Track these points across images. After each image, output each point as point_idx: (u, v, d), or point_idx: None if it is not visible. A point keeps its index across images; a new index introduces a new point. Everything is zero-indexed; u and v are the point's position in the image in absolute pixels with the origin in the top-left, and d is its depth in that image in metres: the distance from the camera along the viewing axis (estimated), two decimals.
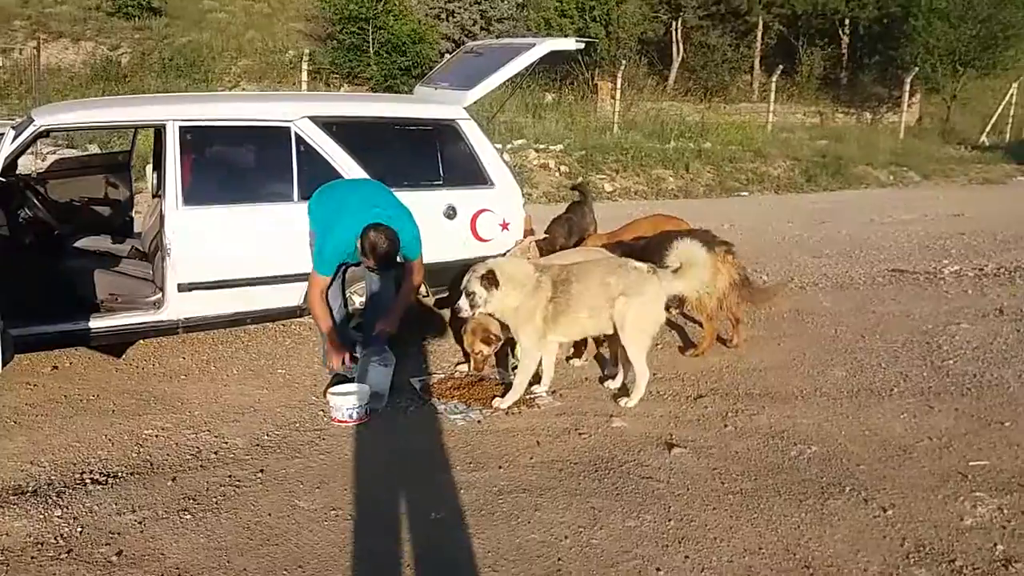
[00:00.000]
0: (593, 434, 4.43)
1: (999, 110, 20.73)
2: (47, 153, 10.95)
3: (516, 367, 4.91)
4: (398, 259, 4.69)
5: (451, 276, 5.19)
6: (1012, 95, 20.67)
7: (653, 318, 4.74)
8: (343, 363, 4.73)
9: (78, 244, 5.75)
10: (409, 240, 4.70)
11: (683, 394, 5.02)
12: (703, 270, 4.82)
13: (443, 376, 5.17)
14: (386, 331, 4.83)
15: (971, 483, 3.91)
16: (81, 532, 3.41)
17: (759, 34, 22.30)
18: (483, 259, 5.43)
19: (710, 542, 3.41)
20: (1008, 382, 5.14)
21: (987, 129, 20.51)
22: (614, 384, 5.05)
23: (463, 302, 4.61)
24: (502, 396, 4.76)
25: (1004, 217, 11.34)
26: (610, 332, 4.84)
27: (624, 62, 18.06)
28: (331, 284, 4.82)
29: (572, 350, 5.53)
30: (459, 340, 5.34)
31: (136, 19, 19.29)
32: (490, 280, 4.56)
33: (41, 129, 4.69)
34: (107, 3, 19.40)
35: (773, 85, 18.81)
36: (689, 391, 5.06)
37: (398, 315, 4.87)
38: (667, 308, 6.17)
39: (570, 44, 5.91)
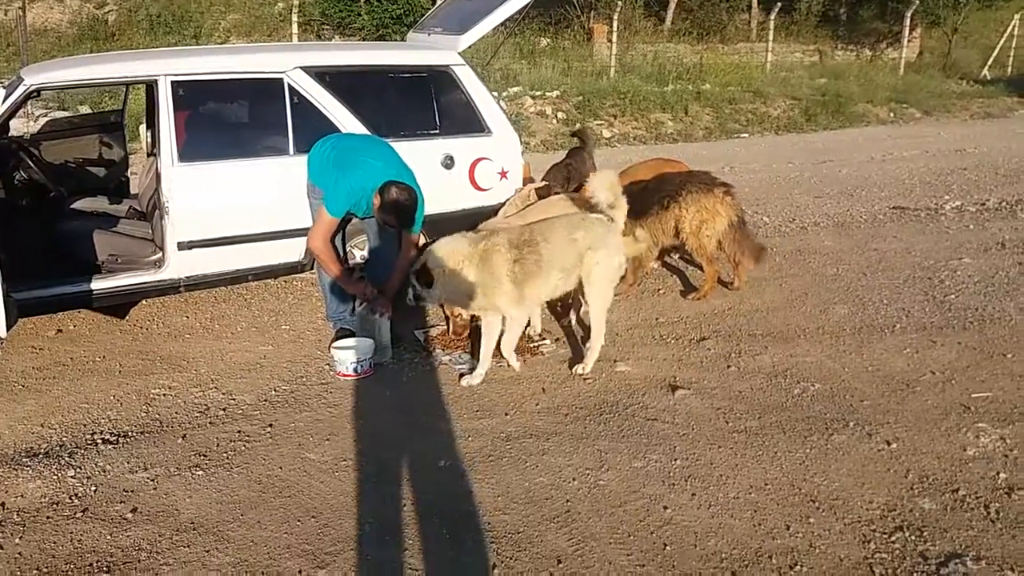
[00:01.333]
0: (597, 379, 4.45)
1: (1001, 43, 20.42)
2: (38, 115, 10.86)
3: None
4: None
5: (450, 227, 5.16)
6: (1014, 27, 20.33)
7: (616, 269, 4.56)
8: (364, 294, 4.72)
9: (75, 206, 5.71)
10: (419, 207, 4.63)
11: (686, 337, 5.03)
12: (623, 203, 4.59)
13: (446, 327, 5.18)
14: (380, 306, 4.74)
15: (973, 415, 3.95)
16: (95, 491, 3.45)
17: None
18: (478, 211, 5.42)
19: (716, 480, 3.46)
20: (1010, 314, 5.15)
21: (989, 63, 20.22)
22: (547, 349, 4.84)
23: (408, 292, 4.42)
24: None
25: (1006, 151, 11.26)
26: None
27: (620, 4, 17.71)
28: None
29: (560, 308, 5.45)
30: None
31: None
32: (421, 275, 4.29)
33: (32, 88, 4.61)
34: None
35: (771, 24, 18.50)
36: (692, 334, 5.07)
37: (392, 292, 4.75)
38: (668, 252, 6.21)
39: None
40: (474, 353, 4.74)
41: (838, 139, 13.21)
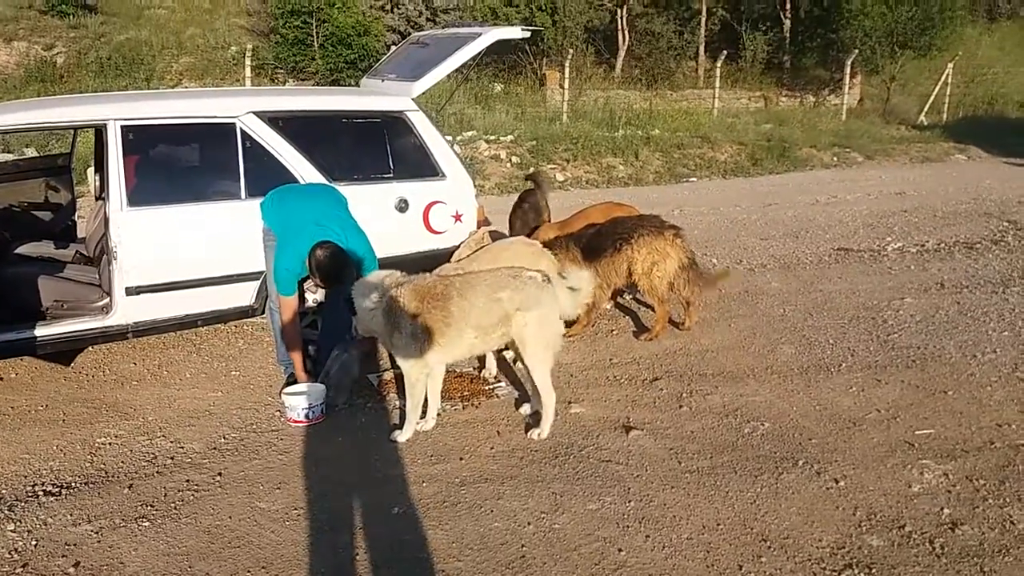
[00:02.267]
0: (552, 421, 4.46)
1: (936, 90, 21.26)
2: None
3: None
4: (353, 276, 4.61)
5: (405, 270, 5.16)
6: (948, 75, 21.21)
7: (554, 331, 4.23)
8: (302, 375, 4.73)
9: (19, 250, 5.59)
10: (361, 258, 4.62)
11: (638, 377, 5.09)
12: (585, 295, 4.40)
13: (397, 372, 5.14)
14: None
15: (918, 451, 4.05)
16: (36, 545, 3.34)
17: (703, 20, 22.51)
18: (432, 254, 5.44)
19: (669, 521, 3.48)
20: (950, 353, 5.31)
21: (925, 109, 21.02)
22: (525, 410, 4.56)
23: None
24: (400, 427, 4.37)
25: (943, 194, 11.67)
26: (501, 348, 4.56)
27: (571, 51, 18.11)
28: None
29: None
30: None
31: (70, 17, 18.71)
32: (347, 300, 4.22)
33: None
34: (39, 1, 18.80)
35: (718, 71, 19.03)
36: (644, 374, 5.13)
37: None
38: (620, 293, 6.29)
39: (516, 33, 5.92)
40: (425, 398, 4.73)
41: (783, 183, 13.57)
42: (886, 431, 4.29)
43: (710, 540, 3.34)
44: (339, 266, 4.48)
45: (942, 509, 3.54)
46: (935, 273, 7.27)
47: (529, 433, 4.30)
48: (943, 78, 21.07)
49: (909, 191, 12.11)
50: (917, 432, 4.26)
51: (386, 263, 5.12)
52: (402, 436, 4.27)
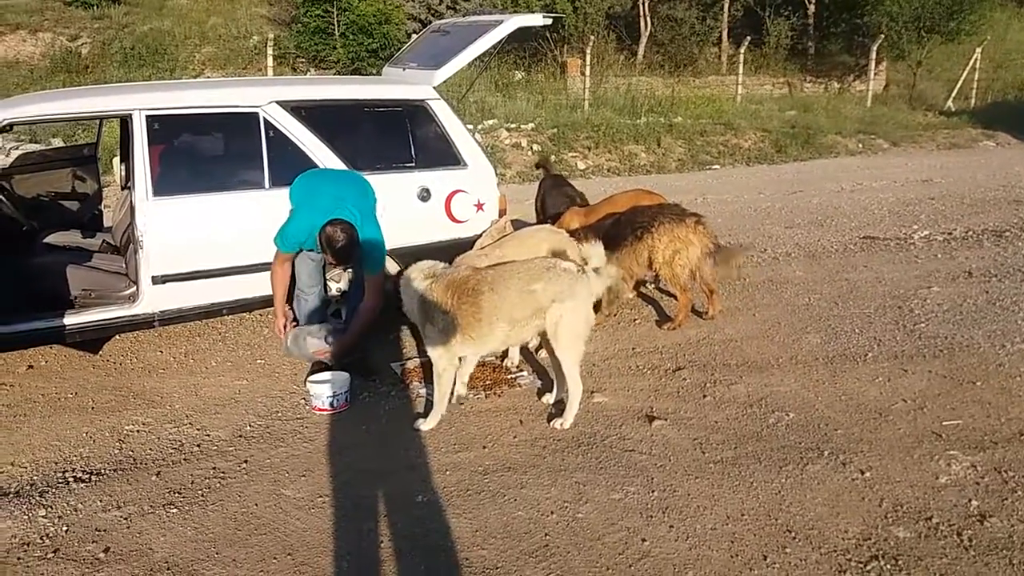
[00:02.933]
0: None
1: (964, 75, 20.94)
2: (10, 149, 10.78)
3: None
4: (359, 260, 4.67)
5: (426, 258, 5.17)
6: (976, 60, 20.87)
7: (587, 322, 4.23)
8: (282, 328, 4.92)
9: (48, 240, 5.66)
10: (369, 247, 4.60)
11: (661, 367, 5.07)
12: (608, 275, 4.39)
13: (423, 360, 5.17)
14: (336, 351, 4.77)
15: (945, 442, 4.00)
16: (67, 531, 3.40)
17: (726, 5, 22.25)
18: (454, 243, 5.45)
19: (693, 511, 3.47)
20: (979, 343, 5.24)
21: (953, 94, 20.72)
22: (548, 399, 4.56)
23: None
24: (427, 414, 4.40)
25: (971, 181, 11.51)
26: (533, 340, 4.58)
27: (592, 38, 18.00)
28: (309, 270, 4.84)
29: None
30: None
31: (95, 8, 18.88)
32: (395, 282, 4.40)
33: (4, 123, 4.59)
34: None
35: (741, 57, 18.86)
36: (667, 364, 5.11)
37: (354, 338, 4.76)
38: (644, 283, 6.27)
39: (537, 20, 5.89)
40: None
41: (808, 170, 13.44)
42: (913, 422, 4.25)
43: (735, 530, 3.33)
44: (350, 244, 4.50)
45: (970, 501, 3.50)
46: (963, 261, 7.17)
47: (552, 423, 4.29)
48: (971, 63, 20.76)
49: (936, 178, 11.95)
50: (945, 423, 4.21)
51: (407, 252, 5.16)
52: (426, 424, 4.29)
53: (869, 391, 4.63)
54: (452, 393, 4.44)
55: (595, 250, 4.29)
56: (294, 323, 5.04)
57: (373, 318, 4.75)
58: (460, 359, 4.40)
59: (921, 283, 6.54)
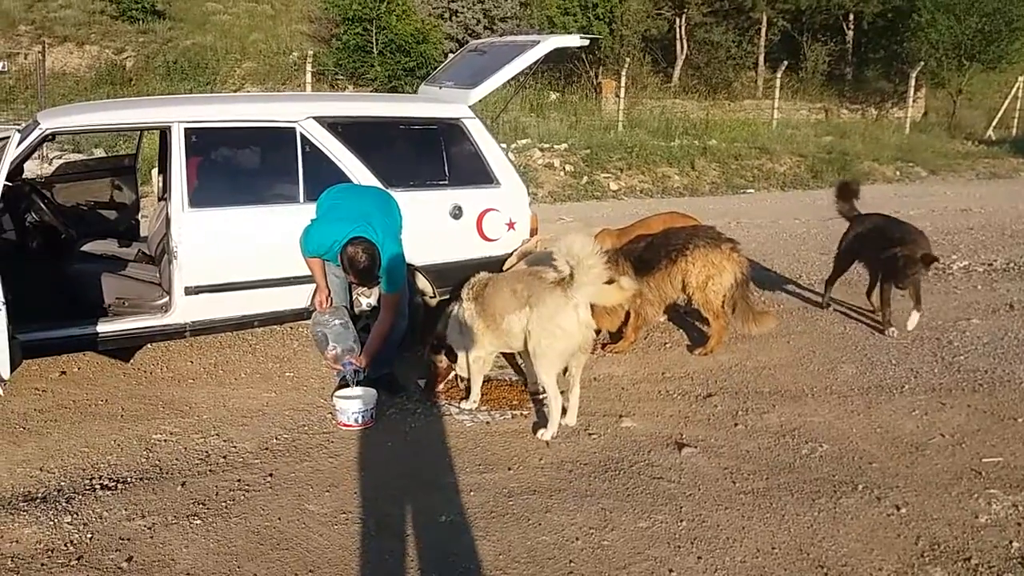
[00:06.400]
0: (603, 434, 4.41)
1: (1005, 104, 20.63)
2: (53, 157, 11.00)
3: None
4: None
5: (457, 276, 5.17)
6: (1018, 89, 20.56)
7: (557, 333, 4.20)
8: (322, 304, 4.92)
9: (85, 248, 5.74)
10: (388, 265, 4.57)
11: (692, 393, 4.99)
12: (595, 263, 4.12)
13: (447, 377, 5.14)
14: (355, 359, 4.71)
15: (985, 480, 3.88)
16: (91, 538, 3.40)
17: (763, 30, 22.17)
18: (485, 261, 5.43)
19: (723, 543, 3.39)
20: (1020, 378, 5.10)
21: (993, 123, 20.41)
22: (571, 420, 4.52)
23: None
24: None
25: (1012, 212, 11.28)
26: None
27: (628, 60, 18.01)
28: (335, 287, 4.89)
29: None
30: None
31: (140, 22, 19.28)
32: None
33: (47, 132, 4.68)
34: (111, 7, 19.40)
35: (777, 81, 18.73)
36: (698, 390, 5.03)
37: (371, 351, 4.70)
38: (674, 306, 6.17)
39: (574, 41, 5.89)
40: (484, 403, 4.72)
41: None
42: (951, 457, 4.13)
43: (764, 564, 3.24)
44: (372, 264, 4.47)
45: (1011, 542, 3.38)
46: (1004, 294, 7.01)
47: (537, 433, 4.37)
48: (1013, 92, 20.45)
49: (975, 208, 11.73)
50: (984, 460, 4.09)
51: (439, 269, 5.15)
52: (470, 404, 4.70)
53: (906, 424, 4.52)
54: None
55: (583, 257, 4.11)
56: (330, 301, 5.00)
57: (387, 335, 4.72)
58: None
59: (960, 314, 6.40)
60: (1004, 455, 4.13)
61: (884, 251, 5.92)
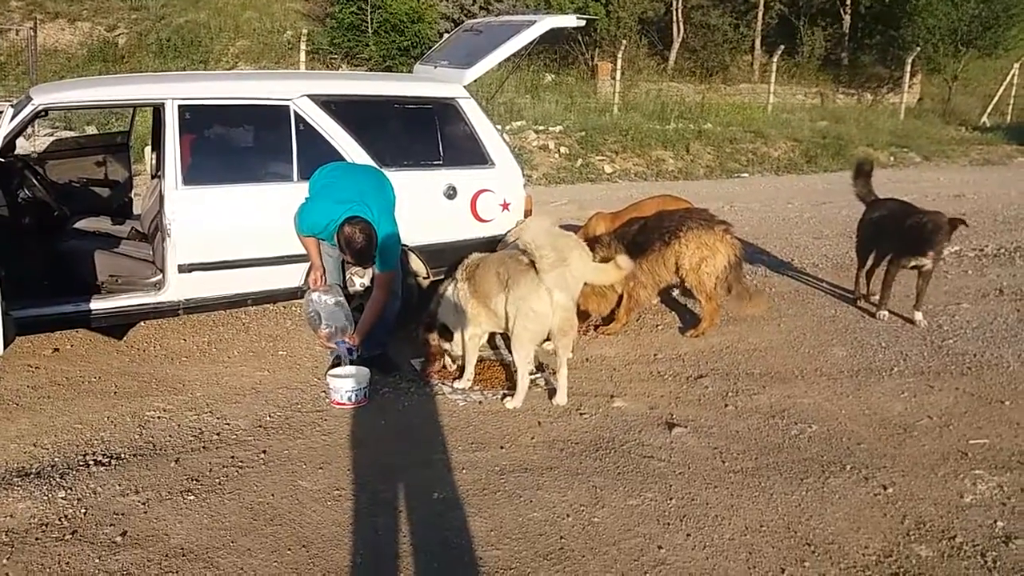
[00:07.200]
0: (594, 414, 4.44)
1: (1000, 91, 20.65)
2: (44, 135, 10.93)
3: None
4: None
5: (451, 257, 5.18)
6: (1013, 76, 20.57)
7: (530, 315, 4.34)
8: (316, 283, 4.92)
9: (78, 225, 5.73)
10: (383, 244, 4.57)
11: (683, 374, 5.02)
12: (547, 253, 4.30)
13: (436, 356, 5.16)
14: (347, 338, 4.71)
15: (971, 461, 3.93)
16: (85, 513, 3.42)
17: (760, 14, 22.10)
18: (479, 242, 5.45)
19: (711, 520, 3.43)
20: (1008, 361, 5.15)
21: (988, 110, 20.43)
22: (562, 399, 4.60)
23: None
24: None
25: (1004, 198, 11.33)
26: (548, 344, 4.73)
27: (624, 42, 17.94)
28: (329, 267, 4.87)
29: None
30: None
31: None
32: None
33: (40, 108, 4.65)
34: None
35: (774, 66, 18.69)
36: (689, 371, 5.07)
37: (363, 330, 4.70)
38: (669, 288, 6.19)
39: (570, 21, 5.86)
40: (477, 383, 4.76)
41: (838, 181, 13.24)
42: (938, 439, 4.18)
43: (753, 542, 3.29)
44: (369, 244, 4.47)
45: (995, 522, 3.43)
46: (994, 279, 7.05)
47: (504, 401, 4.53)
48: (1008, 78, 20.46)
49: (968, 193, 11.78)
50: (971, 441, 4.14)
51: (433, 249, 5.16)
52: (463, 384, 4.76)
53: (894, 406, 4.56)
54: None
55: (536, 247, 4.34)
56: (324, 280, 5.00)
57: (380, 314, 4.72)
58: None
59: (950, 299, 6.45)
60: (990, 437, 4.18)
61: (909, 219, 5.79)
